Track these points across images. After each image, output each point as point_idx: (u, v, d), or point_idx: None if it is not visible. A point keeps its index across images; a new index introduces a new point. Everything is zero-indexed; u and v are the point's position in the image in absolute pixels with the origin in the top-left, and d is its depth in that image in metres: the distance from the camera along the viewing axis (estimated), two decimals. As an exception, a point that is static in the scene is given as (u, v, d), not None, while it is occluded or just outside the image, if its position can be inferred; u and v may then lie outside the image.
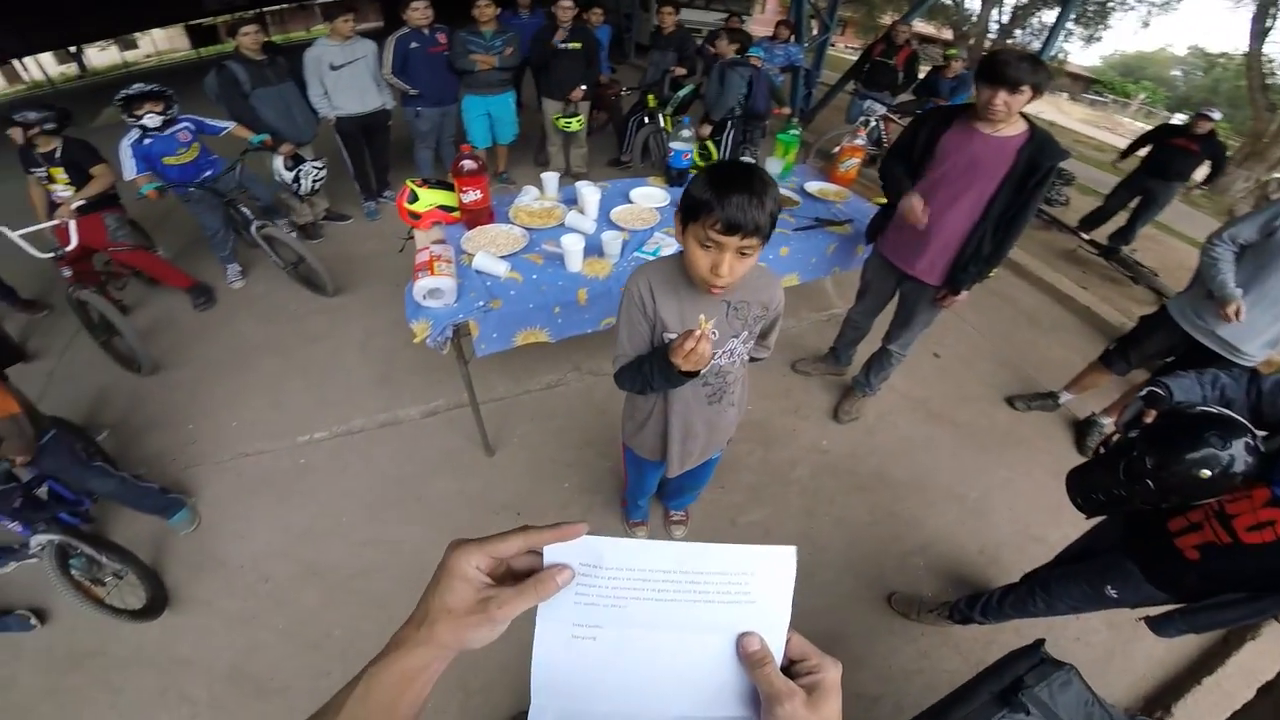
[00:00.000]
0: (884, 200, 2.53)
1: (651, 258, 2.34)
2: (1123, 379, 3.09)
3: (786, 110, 4.74)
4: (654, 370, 1.38)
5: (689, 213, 1.21)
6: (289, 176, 3.78)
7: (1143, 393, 1.53)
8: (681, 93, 5.01)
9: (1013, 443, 3.07)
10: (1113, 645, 2.28)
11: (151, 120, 3.34)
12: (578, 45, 4.71)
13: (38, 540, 2.12)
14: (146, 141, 3.37)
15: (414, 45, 4.24)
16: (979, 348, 3.72)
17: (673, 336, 1.36)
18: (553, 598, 0.48)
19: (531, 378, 3.32)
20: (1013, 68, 1.88)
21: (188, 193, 3.56)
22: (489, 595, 0.46)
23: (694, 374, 1.32)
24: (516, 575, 0.49)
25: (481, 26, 4.34)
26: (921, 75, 6.29)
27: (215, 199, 3.71)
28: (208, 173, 3.64)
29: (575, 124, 4.98)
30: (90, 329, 3.37)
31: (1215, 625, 1.47)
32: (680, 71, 5.12)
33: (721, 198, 1.13)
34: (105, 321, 3.29)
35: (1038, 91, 1.92)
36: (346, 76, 4.16)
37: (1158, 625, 1.52)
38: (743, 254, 1.20)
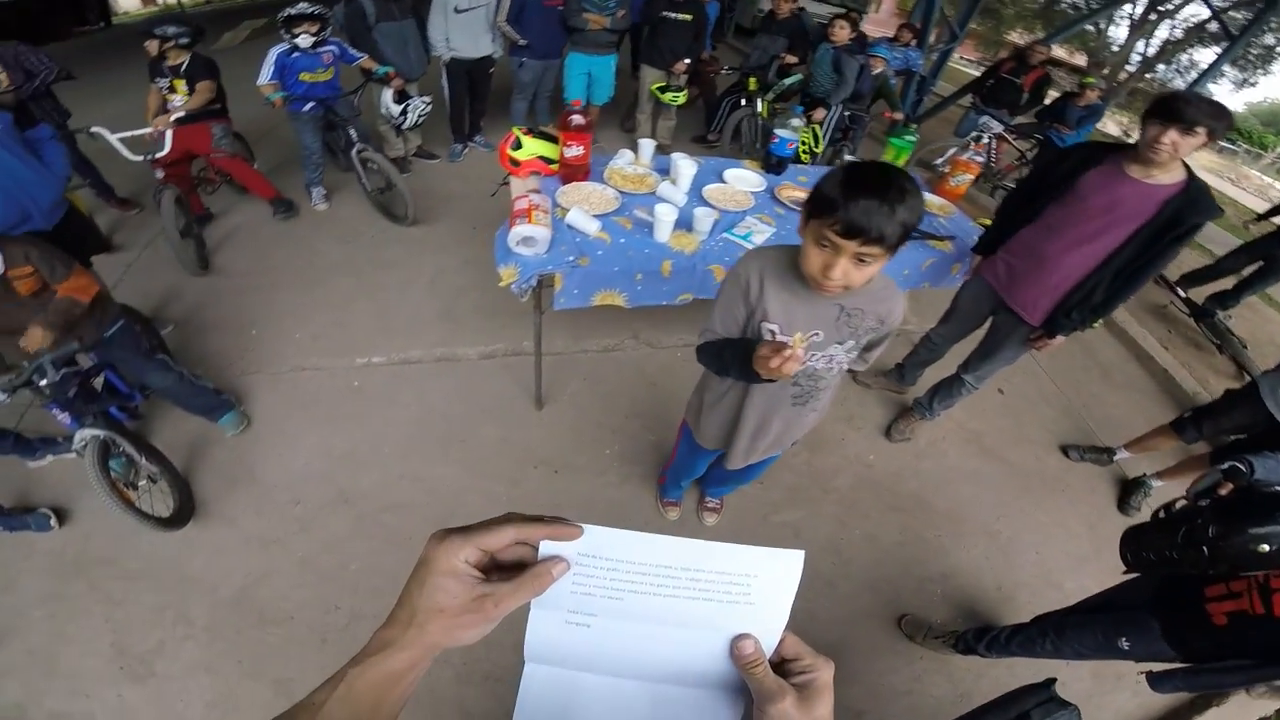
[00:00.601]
0: (988, 221, 2.45)
1: (742, 241, 2.32)
2: (1180, 448, 3.02)
3: (899, 116, 4.61)
4: (733, 361, 1.36)
5: (814, 207, 1.16)
6: (396, 110, 3.89)
7: (1224, 466, 1.56)
8: (788, 81, 4.89)
9: (1057, 490, 3.01)
10: (1090, 695, 2.25)
11: (304, 40, 3.55)
12: (688, 17, 4.67)
13: (83, 435, 2.07)
14: (294, 55, 3.57)
15: (533, -4, 4.28)
16: (1045, 392, 3.60)
17: (772, 327, 1.33)
18: (549, 589, 0.46)
19: (590, 338, 3.36)
20: (1193, 107, 1.75)
21: (302, 110, 3.74)
22: (484, 593, 0.44)
23: (770, 381, 1.28)
24: (502, 565, 0.47)
25: (600, -14, 4.32)
26: (1048, 100, 6.06)
27: (322, 121, 3.91)
28: (328, 95, 3.80)
29: (680, 98, 4.95)
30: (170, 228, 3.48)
31: (1212, 687, 1.56)
32: (791, 60, 5.01)
33: (848, 198, 1.07)
34: (186, 222, 3.49)
35: (1212, 137, 1.79)
36: (467, 20, 4.24)
37: (1156, 680, 1.56)
38: (861, 261, 1.14)
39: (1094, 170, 2.04)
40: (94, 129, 3.10)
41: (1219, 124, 1.76)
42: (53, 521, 2.30)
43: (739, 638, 0.48)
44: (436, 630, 0.43)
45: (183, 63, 3.45)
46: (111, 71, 5.10)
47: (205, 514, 2.41)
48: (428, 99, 4.07)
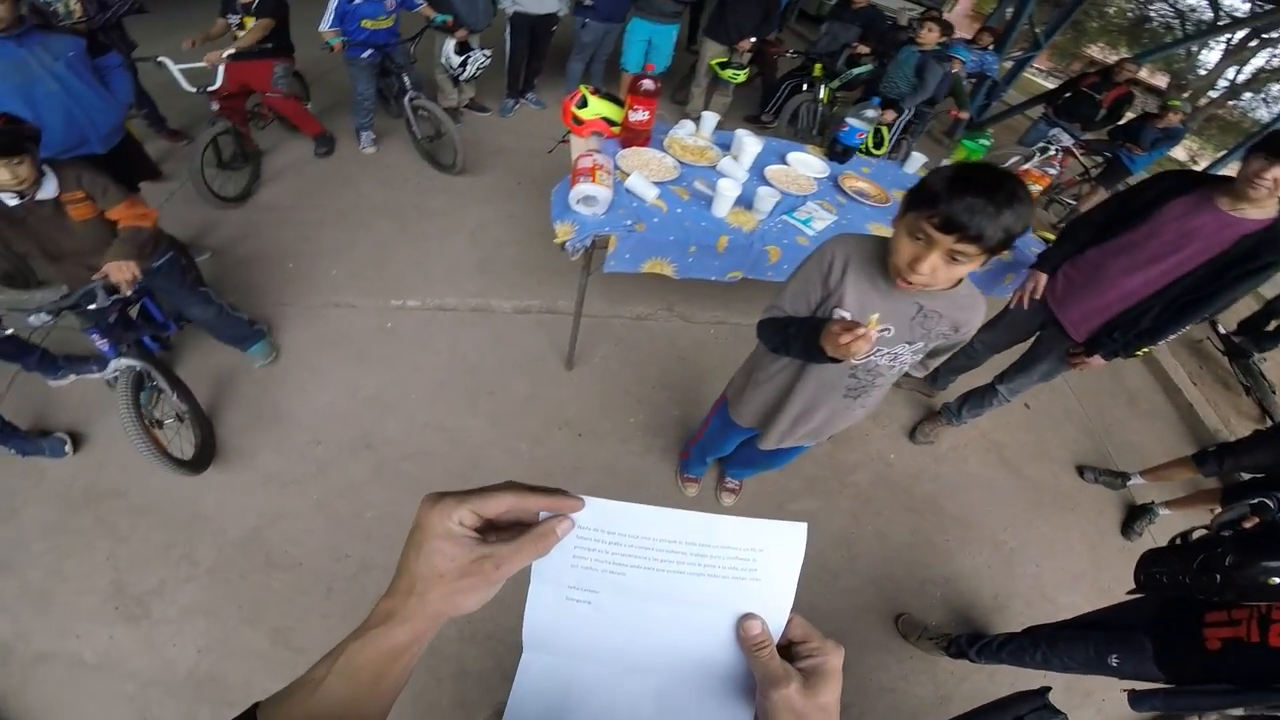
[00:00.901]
0: (1048, 235, 2.42)
1: (802, 225, 2.31)
2: (1192, 481, 3.07)
3: (965, 115, 4.51)
4: (797, 336, 1.34)
5: (913, 200, 1.14)
6: (456, 61, 3.87)
7: (1253, 500, 1.65)
8: (856, 71, 4.81)
9: (1066, 508, 3.03)
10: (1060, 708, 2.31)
11: None
12: (760, -7, 4.56)
13: (117, 364, 2.01)
14: (356, 1, 3.51)
15: (605, -44, 4.21)
16: (1071, 412, 3.58)
17: (845, 315, 1.30)
18: (549, 559, 0.45)
19: (625, 304, 3.38)
20: None
21: (360, 56, 3.72)
22: (483, 554, 0.42)
23: (835, 360, 1.26)
24: (499, 531, 0.45)
25: (673, -47, 4.24)
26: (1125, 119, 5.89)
27: (378, 68, 3.88)
28: (389, 41, 3.78)
29: (741, 76, 4.87)
30: (219, 159, 3.56)
31: (1189, 709, 1.60)
32: (862, 50, 4.90)
33: (953, 194, 1.04)
34: (234, 154, 3.59)
35: None
36: None
37: (1136, 699, 1.61)
38: (954, 258, 1.11)
39: (1181, 199, 1.99)
40: (160, 58, 3.14)
41: None
42: (67, 447, 2.27)
43: (746, 618, 0.47)
44: (437, 597, 0.42)
45: (255, 1, 3.46)
46: (179, 6, 5.08)
47: (223, 450, 2.39)
48: (488, 52, 4.06)
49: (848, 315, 1.29)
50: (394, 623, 0.42)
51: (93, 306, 1.89)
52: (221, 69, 3.22)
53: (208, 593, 2.04)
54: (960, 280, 1.25)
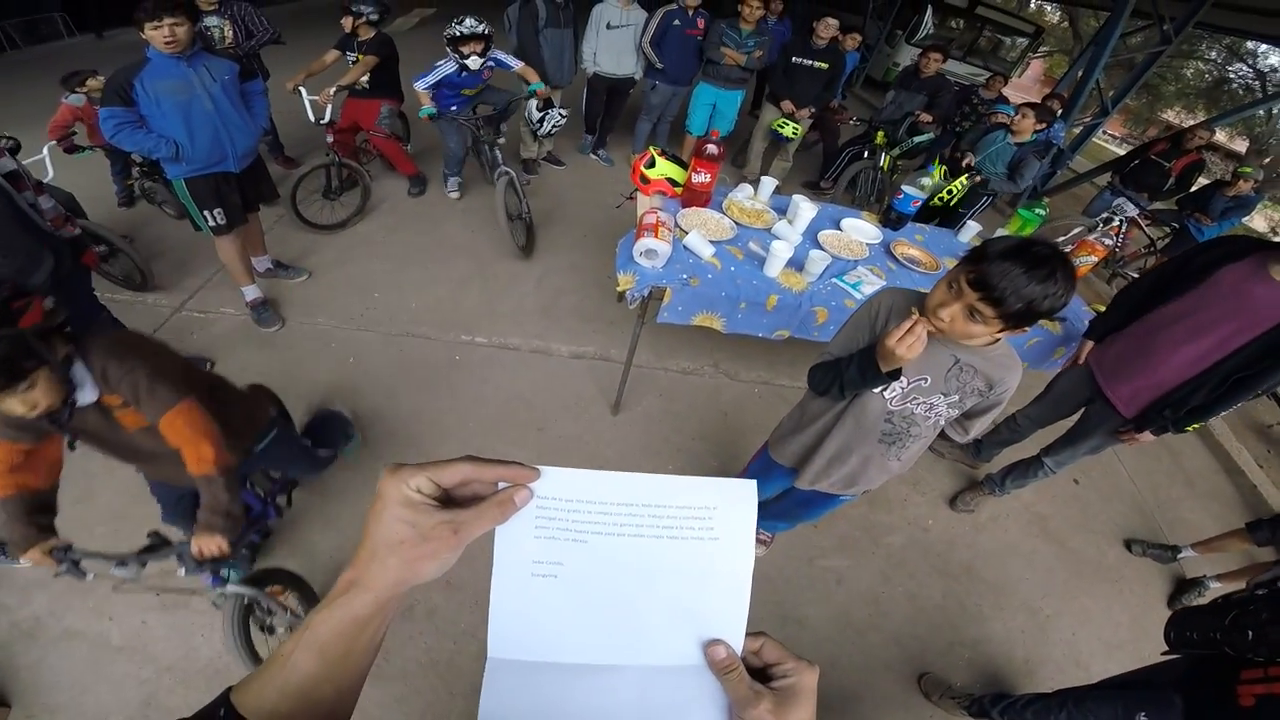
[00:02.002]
0: (1101, 307, 2.44)
1: (850, 290, 2.42)
2: (1246, 554, 3.02)
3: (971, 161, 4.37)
4: (852, 363, 1.41)
5: (969, 257, 1.21)
6: (537, 116, 4.12)
7: None
8: (918, 139, 4.90)
9: (1110, 580, 2.94)
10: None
11: (474, 63, 3.63)
12: (825, 65, 4.75)
13: (223, 591, 1.69)
14: (463, 75, 3.69)
15: (676, 23, 4.52)
16: (1122, 489, 3.48)
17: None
18: (511, 533, 0.45)
19: (672, 357, 3.51)
20: None
21: (450, 109, 3.82)
22: (442, 519, 0.42)
23: (894, 375, 1.32)
24: (458, 505, 0.45)
25: (742, 24, 4.51)
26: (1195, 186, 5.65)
27: (469, 129, 3.94)
28: (479, 99, 3.98)
29: (790, 130, 4.96)
30: (327, 188, 3.96)
31: None
32: (926, 119, 4.97)
33: (996, 258, 1.12)
34: (338, 185, 3.95)
35: None
36: (615, 38, 4.55)
37: None
38: (972, 314, 1.19)
39: (1236, 265, 1.95)
40: (300, 86, 3.55)
41: None
42: None
43: (711, 644, 0.48)
44: (397, 564, 0.42)
45: (369, 39, 3.86)
46: (313, 39, 5.65)
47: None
48: (565, 111, 4.20)
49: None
50: (356, 592, 0.42)
51: (183, 573, 1.57)
52: (329, 105, 3.53)
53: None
54: (996, 341, 1.32)
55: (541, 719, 0.47)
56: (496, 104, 3.99)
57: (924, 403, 1.46)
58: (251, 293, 3.14)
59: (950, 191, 3.88)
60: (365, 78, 3.92)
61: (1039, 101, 4.29)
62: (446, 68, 3.66)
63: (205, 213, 2.75)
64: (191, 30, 2.36)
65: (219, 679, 1.94)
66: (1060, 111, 6.27)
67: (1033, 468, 2.79)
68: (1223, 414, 2.09)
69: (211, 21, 3.65)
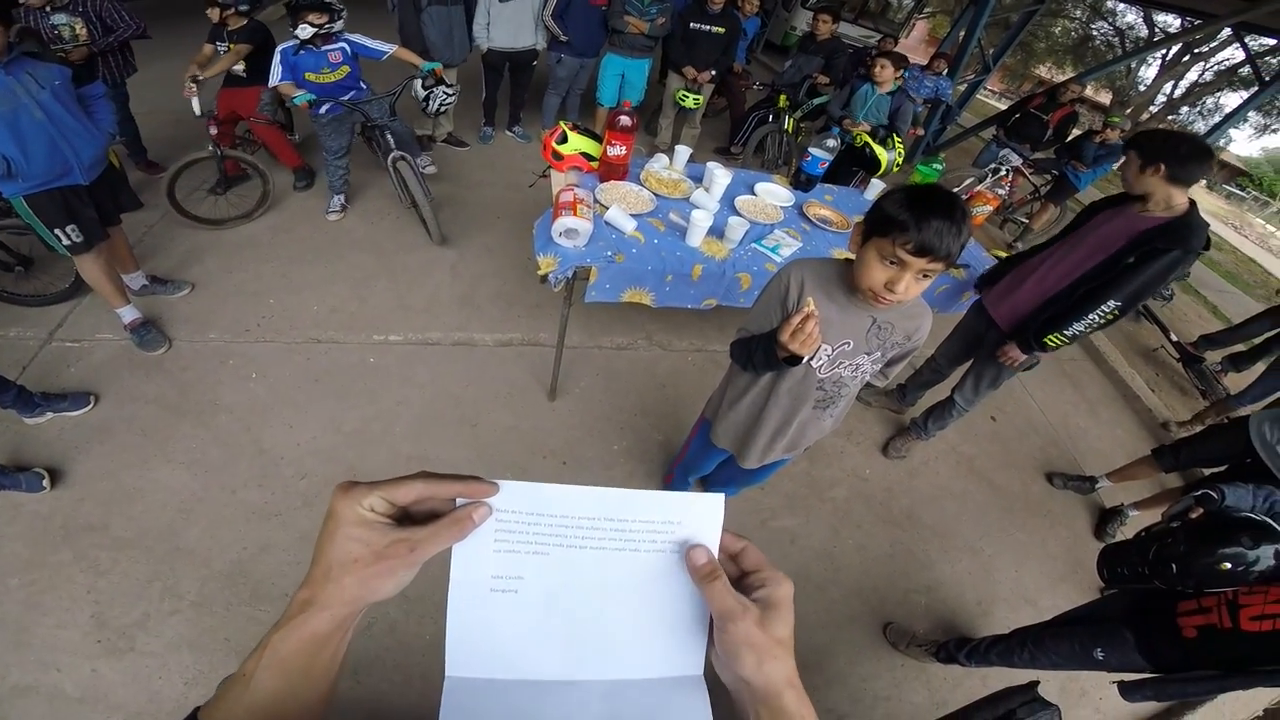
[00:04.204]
0: (1002, 253, 2.57)
1: (770, 253, 2.42)
2: (1158, 482, 3.29)
3: (919, 132, 4.58)
4: (758, 347, 1.43)
5: (877, 227, 1.23)
6: (422, 94, 3.87)
7: (1197, 493, 1.70)
8: (817, 101, 5.01)
9: (1039, 514, 3.15)
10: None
11: (304, 31, 3.25)
12: (721, 30, 4.77)
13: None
14: (300, 53, 3.33)
15: (578, -6, 4.37)
16: (1035, 423, 3.73)
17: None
18: (469, 547, 0.44)
19: (604, 335, 3.45)
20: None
21: (318, 113, 3.50)
22: (397, 538, 0.42)
23: (795, 360, 1.34)
24: (415, 522, 0.44)
25: (643, -9, 4.41)
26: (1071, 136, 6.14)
27: (347, 123, 3.66)
28: (345, 97, 3.52)
29: (692, 101, 5.03)
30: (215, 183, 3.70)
31: (1178, 696, 1.68)
32: (823, 80, 5.10)
33: (920, 220, 1.14)
34: (218, 180, 3.70)
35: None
36: (510, 11, 4.33)
37: (1127, 690, 1.69)
38: (925, 275, 1.22)
39: (1106, 211, 2.24)
40: (197, 75, 3.28)
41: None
42: (45, 482, 2.24)
43: (691, 548, 0.46)
44: (352, 583, 0.41)
45: (239, 29, 3.56)
46: (180, 31, 5.16)
47: (206, 483, 2.39)
48: (452, 88, 3.90)
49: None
50: (312, 610, 0.42)
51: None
52: (195, 99, 3.24)
53: (193, 625, 2.02)
54: None
55: None
56: (378, 115, 3.61)
57: (850, 364, 1.50)
58: (129, 314, 2.81)
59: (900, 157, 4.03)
60: (240, 66, 3.64)
61: (898, 52, 4.57)
62: (282, 47, 3.31)
63: (56, 231, 2.42)
64: (4, 34, 2.08)
65: None
66: (947, 70, 6.58)
67: (948, 408, 2.95)
68: (1081, 328, 2.23)
69: (60, 19, 3.26)
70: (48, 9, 3.22)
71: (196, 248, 3.54)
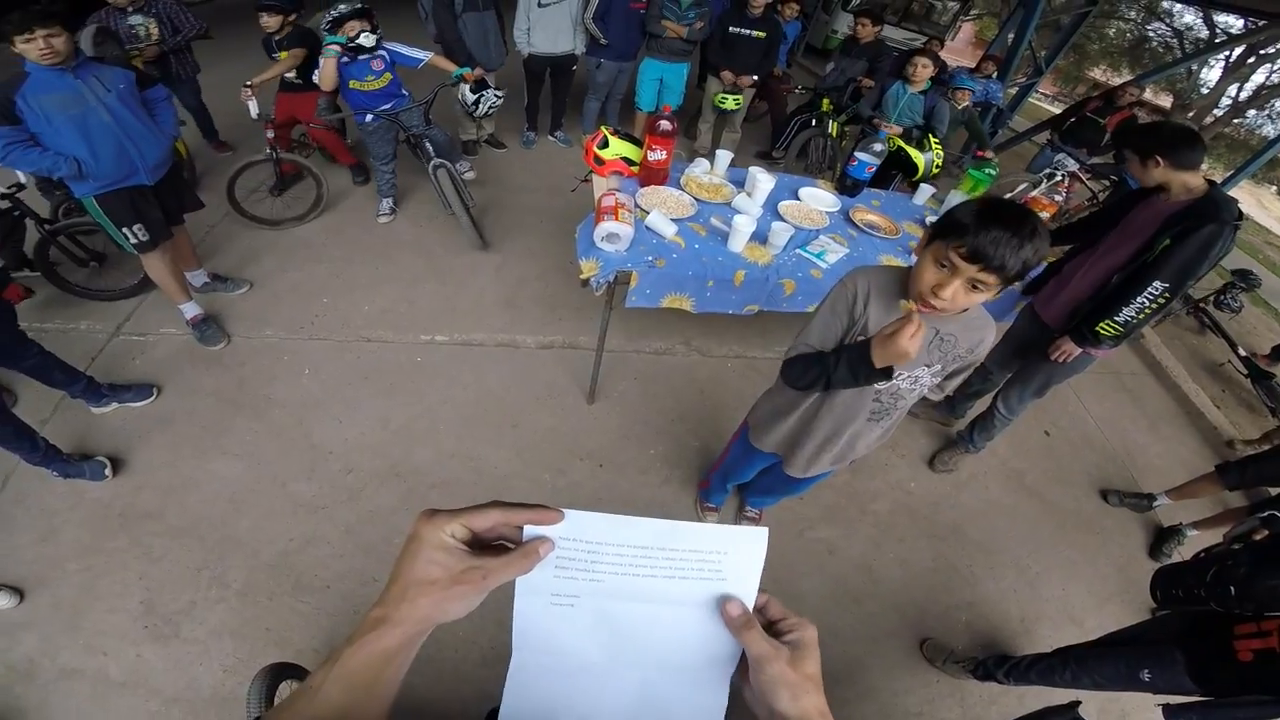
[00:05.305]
0: (1052, 259, 2.50)
1: (815, 259, 2.38)
2: (1220, 501, 3.13)
3: (990, 155, 4.46)
4: (840, 362, 1.36)
5: (941, 231, 1.20)
6: (471, 98, 3.91)
7: (1264, 514, 1.72)
8: (862, 104, 4.90)
9: (1091, 531, 3.02)
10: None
11: (366, 40, 3.30)
12: (762, 34, 4.73)
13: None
14: (344, 61, 3.36)
15: (619, -3, 4.39)
16: (1091, 437, 3.58)
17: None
18: (533, 573, 0.49)
19: (643, 339, 3.45)
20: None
21: (363, 121, 3.59)
22: (473, 565, 0.46)
23: (886, 374, 1.29)
24: (484, 548, 0.49)
25: (683, -4, 4.40)
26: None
27: (390, 131, 3.71)
28: (388, 105, 3.58)
29: (732, 103, 4.98)
30: (274, 185, 3.85)
31: None
32: (868, 83, 5.00)
33: (981, 226, 1.11)
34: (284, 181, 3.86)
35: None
36: (550, 15, 4.37)
37: (1173, 713, 1.63)
38: (975, 286, 1.18)
39: (1144, 202, 2.23)
40: (249, 82, 3.39)
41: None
42: (107, 470, 2.34)
43: (725, 601, 0.51)
44: (427, 604, 0.44)
45: (284, 35, 3.70)
46: (241, 32, 5.46)
47: (258, 474, 2.48)
48: (501, 91, 3.99)
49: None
50: (385, 628, 0.44)
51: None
52: (251, 102, 3.34)
53: (237, 615, 2.09)
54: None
55: (555, 714, 0.53)
56: (413, 125, 3.65)
57: (909, 377, 1.44)
58: (191, 310, 2.95)
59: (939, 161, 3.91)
60: (293, 74, 3.78)
61: (934, 51, 4.41)
62: (325, 56, 3.33)
63: (124, 230, 2.55)
64: (70, 40, 2.18)
65: (226, 708, 1.90)
66: (996, 73, 6.39)
67: (990, 418, 2.88)
68: (1132, 313, 2.19)
69: (136, 20, 3.56)
70: (128, 9, 3.52)
71: (254, 248, 3.69)
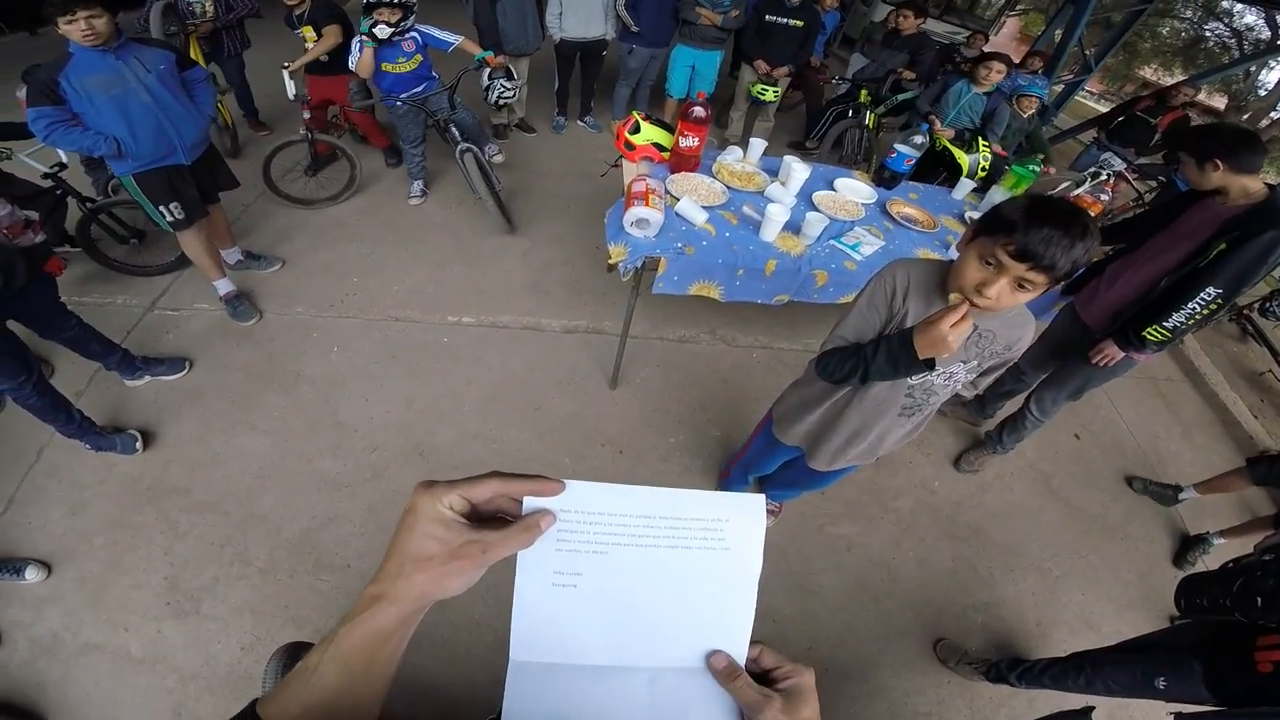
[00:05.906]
0: (1096, 258, 2.44)
1: (850, 251, 2.34)
2: (1248, 510, 3.09)
3: (1052, 170, 4.30)
4: (879, 353, 1.33)
5: (987, 227, 1.16)
6: (484, 84, 3.83)
7: None
8: (902, 97, 4.82)
9: (1116, 537, 2.95)
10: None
11: (381, 31, 3.27)
12: (800, 23, 4.64)
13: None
14: (382, 47, 3.37)
15: (651, -17, 4.34)
16: (1122, 443, 3.48)
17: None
18: (534, 547, 0.47)
19: (668, 326, 3.43)
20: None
21: (391, 105, 3.60)
22: (472, 538, 0.44)
23: (928, 365, 1.26)
24: (483, 520, 0.47)
25: (716, -17, 4.35)
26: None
27: (418, 114, 3.69)
28: (419, 88, 3.61)
29: (770, 94, 4.93)
30: (309, 165, 3.91)
31: None
32: (909, 75, 4.91)
33: (1030, 223, 1.07)
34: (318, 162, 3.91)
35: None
36: (581, 0, 4.34)
37: None
38: (1021, 285, 1.13)
39: (1198, 204, 2.16)
40: (286, 64, 3.49)
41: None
42: (138, 444, 2.38)
43: (712, 655, 0.51)
44: (424, 580, 0.43)
45: (303, 9, 3.73)
46: (276, 12, 5.62)
47: (284, 450, 2.51)
48: (511, 83, 3.82)
49: None
50: (381, 605, 0.43)
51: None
52: (290, 82, 3.42)
53: (257, 592, 2.11)
54: None
55: (560, 717, 0.50)
56: (438, 109, 3.64)
57: (944, 372, 1.39)
58: (224, 286, 3.01)
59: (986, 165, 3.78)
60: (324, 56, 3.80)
61: (1005, 54, 4.33)
62: (358, 39, 3.33)
63: (161, 208, 2.61)
64: (112, 21, 2.20)
65: (242, 685, 1.92)
66: (1042, 69, 6.20)
67: (1021, 419, 2.82)
68: (1182, 319, 2.12)
69: None
70: None
71: (288, 226, 3.75)
